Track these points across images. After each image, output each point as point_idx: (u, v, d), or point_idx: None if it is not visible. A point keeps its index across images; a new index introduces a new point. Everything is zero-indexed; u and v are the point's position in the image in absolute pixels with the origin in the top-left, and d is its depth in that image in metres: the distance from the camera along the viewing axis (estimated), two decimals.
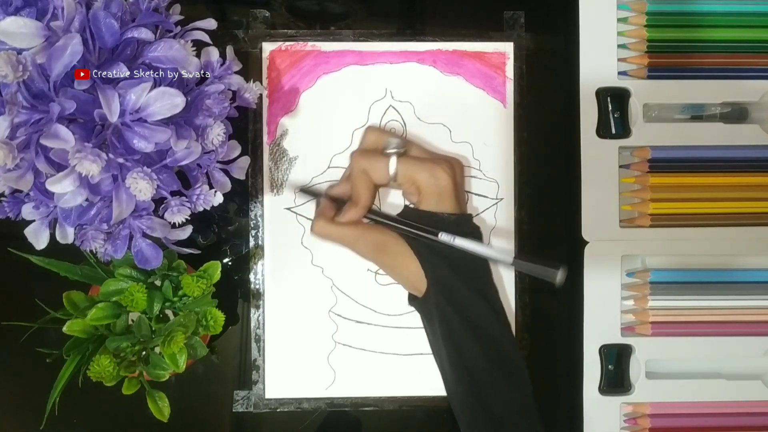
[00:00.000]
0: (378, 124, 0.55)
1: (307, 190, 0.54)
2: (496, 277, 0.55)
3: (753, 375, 0.56)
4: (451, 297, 0.46)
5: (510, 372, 0.46)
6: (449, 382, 0.47)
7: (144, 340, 0.46)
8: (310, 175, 0.55)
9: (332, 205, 0.49)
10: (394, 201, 0.54)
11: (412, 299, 0.49)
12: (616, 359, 0.54)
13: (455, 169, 0.48)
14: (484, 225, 0.55)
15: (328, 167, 0.55)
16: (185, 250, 0.48)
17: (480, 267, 0.47)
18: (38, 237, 0.43)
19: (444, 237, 0.46)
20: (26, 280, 0.54)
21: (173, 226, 0.44)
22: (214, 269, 0.48)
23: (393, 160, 0.46)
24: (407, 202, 0.51)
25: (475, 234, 0.48)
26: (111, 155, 0.37)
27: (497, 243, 0.56)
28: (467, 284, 0.46)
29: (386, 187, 0.49)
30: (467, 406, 0.46)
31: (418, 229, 0.46)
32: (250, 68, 0.54)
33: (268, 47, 0.55)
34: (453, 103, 0.55)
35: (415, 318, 0.54)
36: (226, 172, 0.46)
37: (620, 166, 0.55)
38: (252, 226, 0.55)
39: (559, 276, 0.43)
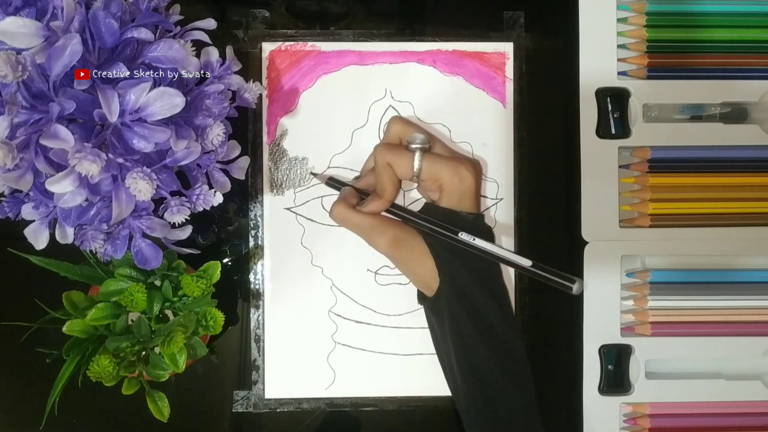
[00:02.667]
0: (378, 123, 0.55)
1: (334, 181, 0.53)
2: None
3: (753, 375, 0.56)
4: (463, 297, 0.46)
5: (516, 372, 0.46)
6: (456, 381, 0.47)
7: (144, 340, 0.46)
8: (310, 175, 0.55)
9: (356, 194, 0.49)
10: (415, 196, 0.54)
11: (422, 298, 0.49)
12: (616, 359, 0.54)
13: (477, 169, 0.48)
14: None
15: (328, 167, 0.55)
16: (185, 250, 0.48)
17: (492, 267, 0.47)
18: (38, 237, 0.43)
19: (464, 236, 0.45)
20: (26, 280, 0.54)
21: (173, 226, 0.44)
22: (214, 269, 0.48)
23: (417, 155, 0.46)
24: (426, 199, 0.50)
25: (488, 234, 0.48)
26: (111, 155, 0.37)
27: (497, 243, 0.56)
28: (480, 284, 0.46)
29: (408, 181, 0.49)
30: (473, 404, 0.46)
31: (438, 226, 0.46)
32: (250, 68, 0.54)
33: (267, 47, 0.55)
34: (453, 103, 0.55)
35: (414, 318, 0.54)
36: (226, 172, 0.46)
37: (620, 166, 0.55)
38: (252, 226, 0.55)
39: (576, 286, 0.43)
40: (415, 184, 0.51)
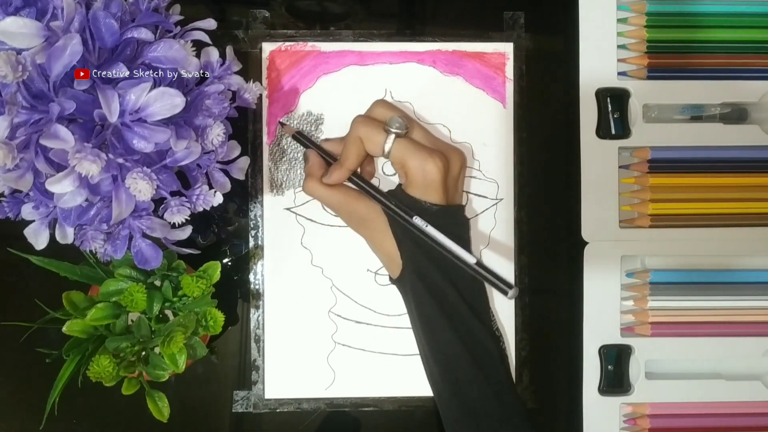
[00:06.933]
0: None
1: (300, 137, 0.52)
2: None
3: (753, 375, 0.56)
4: (425, 282, 0.46)
5: (483, 359, 0.46)
6: (429, 365, 0.48)
7: (143, 341, 0.46)
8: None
9: (321, 164, 0.50)
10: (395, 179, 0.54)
11: (391, 278, 0.50)
12: (616, 359, 0.54)
13: (451, 162, 0.48)
14: (485, 225, 0.55)
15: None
16: (185, 250, 0.48)
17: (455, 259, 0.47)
18: (38, 237, 0.43)
19: (417, 221, 0.46)
20: (26, 280, 0.54)
21: (173, 226, 0.43)
22: (214, 269, 0.48)
23: (390, 138, 0.47)
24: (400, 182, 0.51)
25: (459, 226, 0.48)
26: (111, 155, 0.37)
27: (497, 243, 0.56)
28: (441, 273, 0.47)
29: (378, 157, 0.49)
30: (444, 390, 0.47)
31: (397, 206, 0.47)
32: (250, 68, 0.54)
33: (267, 47, 0.55)
34: (453, 103, 0.55)
35: None
36: (226, 173, 0.46)
37: (620, 167, 0.55)
38: (252, 226, 0.55)
39: (511, 293, 0.44)
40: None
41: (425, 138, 0.49)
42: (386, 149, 0.47)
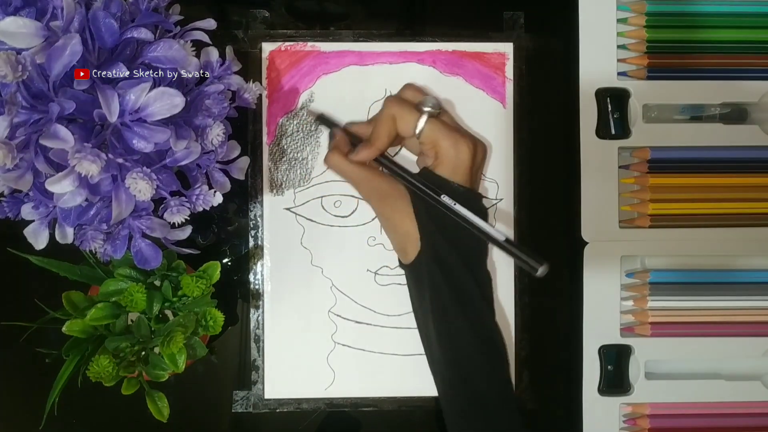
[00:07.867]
0: None
1: (325, 119, 0.53)
2: (494, 271, 0.55)
3: (752, 375, 0.56)
4: (443, 266, 0.46)
5: (492, 352, 0.46)
6: (434, 354, 0.48)
7: (143, 341, 0.46)
8: (311, 175, 0.55)
9: (347, 141, 0.50)
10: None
11: (402, 264, 0.50)
12: (616, 360, 0.54)
13: (477, 148, 0.48)
14: None
15: (328, 167, 0.55)
16: (185, 250, 0.48)
17: (476, 247, 0.47)
18: (38, 237, 0.43)
19: (446, 199, 0.46)
20: (26, 280, 0.54)
21: (173, 226, 0.43)
22: (214, 269, 0.48)
23: (423, 118, 0.47)
24: (423, 165, 0.50)
25: (481, 213, 0.48)
26: (110, 155, 0.37)
27: None
28: (460, 258, 0.46)
29: (407, 138, 0.49)
30: (449, 379, 0.47)
31: (423, 185, 0.46)
32: (250, 68, 0.54)
33: (267, 47, 0.55)
34: (453, 103, 0.55)
35: (414, 318, 0.54)
36: (226, 173, 0.46)
37: (620, 167, 0.55)
38: (251, 226, 0.55)
39: (541, 270, 0.44)
40: (416, 156, 0.51)
41: (454, 124, 0.49)
42: (418, 129, 0.46)
